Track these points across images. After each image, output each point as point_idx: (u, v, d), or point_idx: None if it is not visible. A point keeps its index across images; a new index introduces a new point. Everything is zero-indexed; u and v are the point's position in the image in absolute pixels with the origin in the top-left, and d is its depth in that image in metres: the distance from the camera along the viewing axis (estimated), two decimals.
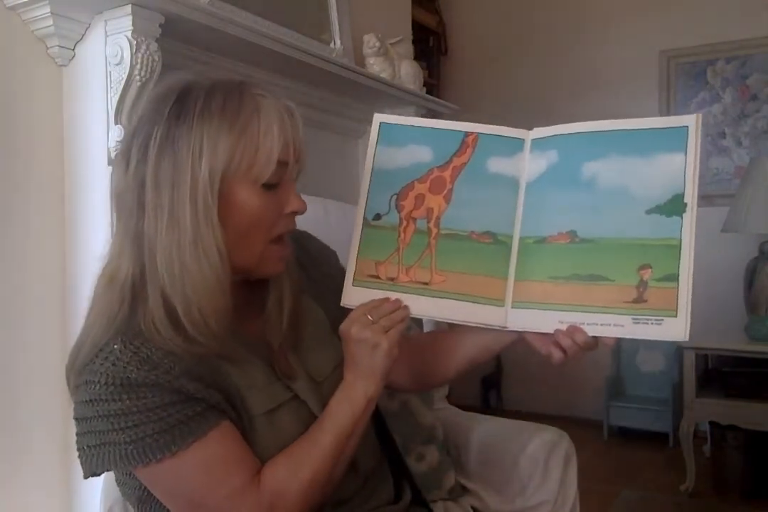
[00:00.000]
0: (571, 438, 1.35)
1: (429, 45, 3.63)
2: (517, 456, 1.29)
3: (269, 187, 0.77)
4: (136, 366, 0.71)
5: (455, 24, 3.72)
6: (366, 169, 0.91)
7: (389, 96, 2.21)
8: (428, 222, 0.88)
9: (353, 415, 0.80)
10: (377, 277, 0.88)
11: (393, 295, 0.86)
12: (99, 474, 0.74)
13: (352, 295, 0.87)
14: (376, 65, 2.21)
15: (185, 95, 0.75)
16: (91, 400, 0.72)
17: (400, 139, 0.91)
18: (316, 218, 1.22)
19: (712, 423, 2.52)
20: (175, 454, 0.72)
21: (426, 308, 0.86)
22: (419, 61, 2.54)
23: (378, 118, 0.93)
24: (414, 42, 2.74)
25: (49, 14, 1.31)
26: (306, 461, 0.77)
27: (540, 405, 3.37)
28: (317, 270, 0.97)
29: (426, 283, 0.86)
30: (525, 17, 3.55)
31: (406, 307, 0.85)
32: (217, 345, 0.75)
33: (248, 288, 0.85)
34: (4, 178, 1.32)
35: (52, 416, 1.35)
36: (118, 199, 0.79)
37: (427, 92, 2.48)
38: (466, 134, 0.89)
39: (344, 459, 0.81)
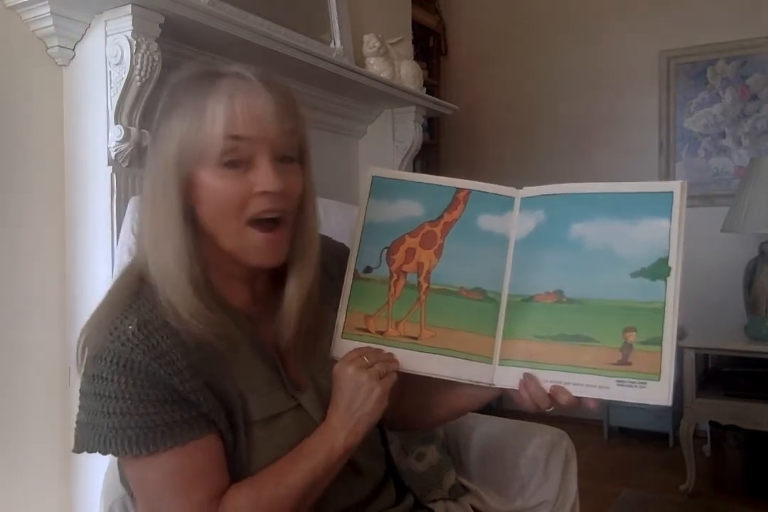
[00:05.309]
0: (571, 438, 1.35)
1: (429, 45, 3.62)
2: (517, 456, 1.29)
3: (232, 165, 0.75)
4: (143, 350, 0.72)
5: (455, 24, 3.72)
6: (358, 222, 0.91)
7: (389, 96, 2.22)
8: (419, 276, 0.88)
9: (327, 464, 0.78)
10: (366, 330, 0.88)
11: (382, 349, 0.86)
12: (88, 451, 0.75)
13: (342, 348, 0.87)
14: (376, 65, 2.21)
15: (173, 89, 0.79)
16: (93, 375, 0.73)
17: (392, 194, 0.91)
18: None
19: (712, 423, 2.51)
20: (151, 454, 0.72)
21: (414, 363, 0.86)
22: (419, 61, 2.54)
23: (371, 171, 0.93)
24: (414, 42, 2.74)
25: (49, 14, 1.31)
26: (270, 499, 0.76)
27: None
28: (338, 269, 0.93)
29: (415, 338, 0.86)
30: (525, 17, 3.55)
31: (395, 361, 0.84)
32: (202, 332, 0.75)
33: (268, 289, 0.85)
34: (4, 178, 1.32)
35: (52, 416, 1.36)
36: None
37: (427, 92, 2.48)
38: (458, 190, 0.89)
39: (311, 500, 0.79)
